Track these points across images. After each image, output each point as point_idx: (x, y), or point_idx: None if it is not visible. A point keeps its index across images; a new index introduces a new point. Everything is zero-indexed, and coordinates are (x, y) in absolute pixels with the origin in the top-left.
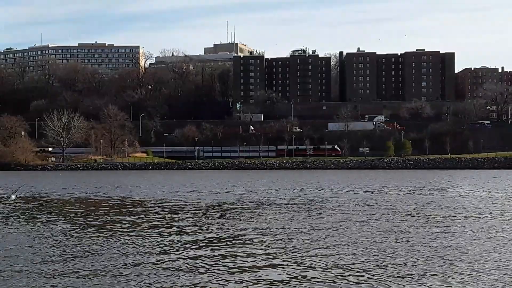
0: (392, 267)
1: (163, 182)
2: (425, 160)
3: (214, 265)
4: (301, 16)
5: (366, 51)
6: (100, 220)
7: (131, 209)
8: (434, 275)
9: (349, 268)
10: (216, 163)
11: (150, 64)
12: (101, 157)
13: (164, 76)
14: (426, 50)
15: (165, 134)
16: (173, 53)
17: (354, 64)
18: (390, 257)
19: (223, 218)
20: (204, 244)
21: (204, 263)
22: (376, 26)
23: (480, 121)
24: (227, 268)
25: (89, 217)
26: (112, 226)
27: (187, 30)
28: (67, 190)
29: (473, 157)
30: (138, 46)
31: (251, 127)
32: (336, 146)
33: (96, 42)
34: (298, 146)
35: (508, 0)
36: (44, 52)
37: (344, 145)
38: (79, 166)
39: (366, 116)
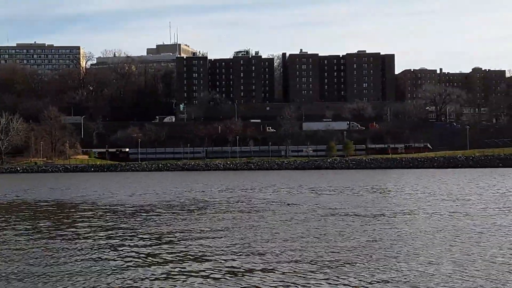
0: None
1: (100, 184)
2: (367, 160)
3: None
4: (244, 18)
5: (309, 52)
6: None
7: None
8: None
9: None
10: (160, 165)
11: (91, 65)
12: (41, 160)
13: (106, 77)
14: (367, 51)
15: (135, 135)
16: (114, 54)
17: (297, 65)
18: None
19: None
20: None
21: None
22: (318, 28)
23: (449, 122)
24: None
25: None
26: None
27: (129, 31)
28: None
29: (414, 157)
30: (79, 47)
31: (270, 128)
32: (428, 144)
33: (35, 42)
34: (389, 145)
35: (444, 4)
36: None
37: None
38: (18, 169)
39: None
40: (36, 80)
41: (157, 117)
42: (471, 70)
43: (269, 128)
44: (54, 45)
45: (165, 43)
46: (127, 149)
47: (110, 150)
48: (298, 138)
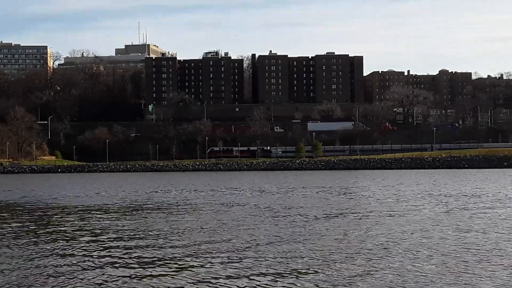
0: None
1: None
2: (335, 161)
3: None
4: (214, 19)
5: (278, 54)
6: None
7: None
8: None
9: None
10: (128, 166)
11: (59, 64)
12: (7, 160)
13: (74, 77)
14: (336, 53)
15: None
16: (82, 54)
17: (267, 67)
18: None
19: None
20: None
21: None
22: (288, 29)
23: (449, 124)
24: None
25: None
26: None
27: (97, 31)
28: None
29: (381, 158)
30: (46, 46)
31: (277, 128)
32: None
33: (1, 42)
34: None
35: (411, 7)
36: None
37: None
38: None
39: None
40: (3, 80)
41: None
42: (438, 72)
43: (277, 128)
44: (21, 45)
45: (134, 44)
46: (269, 147)
47: (247, 148)
48: (267, 139)
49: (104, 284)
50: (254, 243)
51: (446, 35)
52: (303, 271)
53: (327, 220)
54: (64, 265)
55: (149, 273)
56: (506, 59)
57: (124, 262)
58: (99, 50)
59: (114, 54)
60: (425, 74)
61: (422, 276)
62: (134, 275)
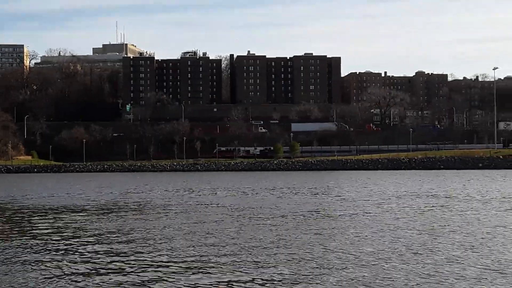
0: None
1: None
2: (313, 162)
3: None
4: (192, 19)
5: (256, 54)
6: None
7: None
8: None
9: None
10: (105, 166)
11: (36, 63)
12: None
13: (51, 76)
14: (314, 54)
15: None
16: (59, 53)
17: (245, 67)
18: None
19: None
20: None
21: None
22: (266, 30)
23: (427, 124)
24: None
25: None
26: None
27: (74, 30)
28: None
29: (359, 159)
30: (22, 45)
31: (262, 128)
32: None
33: None
34: None
35: (390, 9)
36: None
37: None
38: None
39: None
40: None
41: None
42: (414, 74)
43: (261, 128)
44: None
45: (112, 43)
46: (272, 147)
47: (254, 147)
48: (245, 140)
49: None
50: (233, 247)
51: (423, 36)
52: (281, 277)
53: (305, 220)
54: (36, 269)
55: (125, 279)
56: (482, 61)
57: (97, 267)
58: (76, 49)
59: (91, 53)
60: (402, 75)
61: (400, 276)
62: (106, 280)
